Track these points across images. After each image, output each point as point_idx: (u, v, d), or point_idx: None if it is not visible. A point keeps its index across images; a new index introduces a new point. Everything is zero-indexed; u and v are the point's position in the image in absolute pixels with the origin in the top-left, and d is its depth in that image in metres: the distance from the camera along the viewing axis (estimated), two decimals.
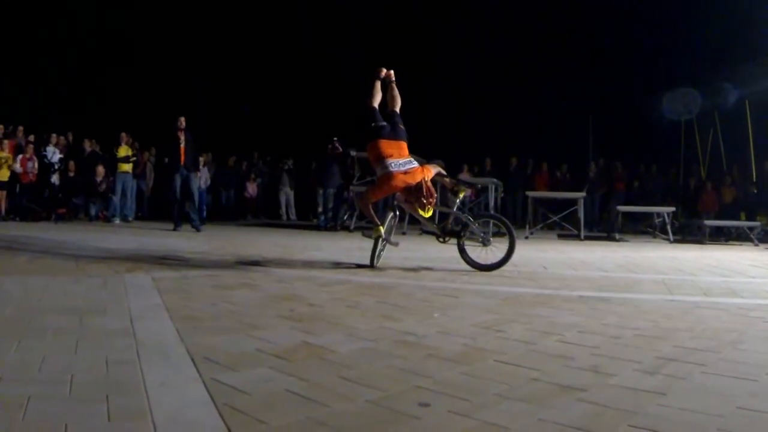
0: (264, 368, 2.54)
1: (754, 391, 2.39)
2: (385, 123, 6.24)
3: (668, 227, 12.52)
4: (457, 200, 6.27)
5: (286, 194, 18.61)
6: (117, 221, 13.79)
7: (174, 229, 10.54)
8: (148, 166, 16.18)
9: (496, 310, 4.04)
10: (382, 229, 6.18)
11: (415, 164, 6.14)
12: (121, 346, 2.78)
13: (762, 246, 11.34)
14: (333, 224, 13.46)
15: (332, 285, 4.95)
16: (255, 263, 6.35)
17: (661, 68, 20.73)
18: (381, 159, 6.10)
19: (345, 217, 13.76)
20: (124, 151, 14.28)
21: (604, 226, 15.74)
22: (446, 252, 6.46)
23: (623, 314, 4.02)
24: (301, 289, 4.68)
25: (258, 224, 15.57)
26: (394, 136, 6.22)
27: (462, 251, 6.15)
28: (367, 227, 13.20)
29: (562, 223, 13.77)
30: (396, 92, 6.51)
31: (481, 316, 3.84)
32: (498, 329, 3.45)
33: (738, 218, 15.40)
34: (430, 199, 5.86)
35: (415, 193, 5.88)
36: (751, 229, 11.84)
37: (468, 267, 6.12)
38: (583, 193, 13.18)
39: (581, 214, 12.96)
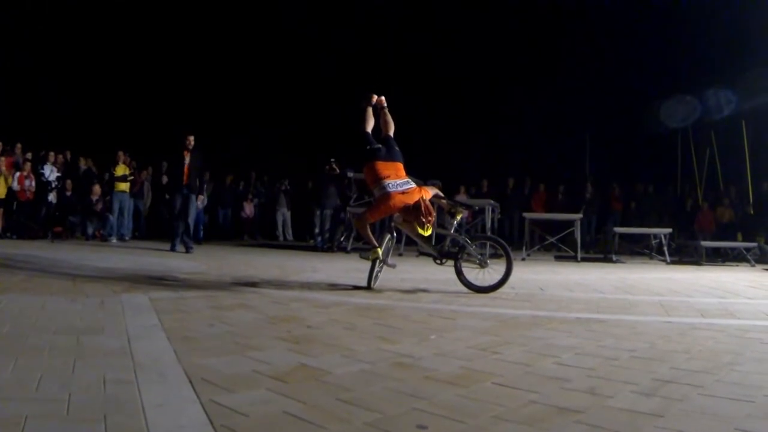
0: (261, 390, 2.54)
1: (751, 412, 2.40)
2: (380, 145, 6.31)
3: (665, 248, 12.56)
4: (455, 222, 6.29)
5: (283, 214, 18.65)
6: (114, 240, 13.78)
7: (171, 250, 10.49)
8: (145, 185, 16.18)
9: (494, 332, 4.05)
10: (380, 251, 6.20)
11: (413, 185, 6.19)
12: (119, 365, 2.79)
13: (759, 267, 11.37)
14: (330, 245, 13.47)
15: (329, 306, 4.95)
16: (252, 284, 6.35)
17: (659, 86, 20.89)
18: (378, 180, 6.14)
19: (342, 238, 13.78)
20: (121, 170, 14.30)
21: (600, 247, 15.79)
22: (443, 273, 6.47)
23: (620, 336, 4.03)
24: (298, 311, 4.69)
25: (255, 245, 15.59)
26: (390, 157, 6.27)
27: (459, 273, 6.17)
28: (364, 248, 13.25)
29: (559, 245, 13.81)
30: (389, 117, 6.59)
31: (478, 338, 3.85)
32: (495, 351, 3.46)
33: (735, 239, 15.46)
34: (429, 218, 5.89)
35: (413, 212, 5.92)
36: (747, 249, 11.87)
37: (465, 289, 6.13)
38: (580, 215, 13.25)
39: (578, 236, 13.01)
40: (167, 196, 11.45)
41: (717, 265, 12.03)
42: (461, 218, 6.32)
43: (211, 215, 16.91)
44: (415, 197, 5.98)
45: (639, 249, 14.38)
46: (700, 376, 2.97)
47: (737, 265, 11.91)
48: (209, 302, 4.91)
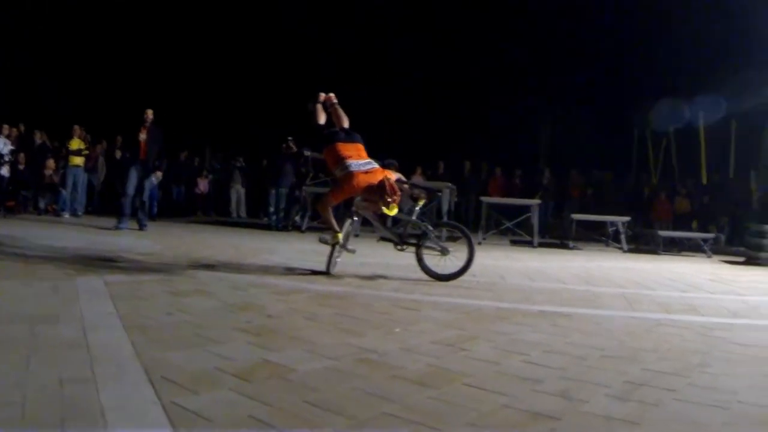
0: (225, 390, 2.48)
1: (727, 420, 2.45)
2: (338, 129, 6.26)
3: (622, 237, 12.80)
4: (417, 208, 6.25)
5: (237, 192, 18.60)
6: (66, 215, 13.39)
7: (116, 227, 10.12)
8: (99, 160, 15.77)
9: (458, 325, 4.04)
10: (341, 236, 6.13)
11: (375, 165, 6.14)
12: (75, 360, 2.70)
13: (715, 258, 11.69)
14: (285, 224, 13.33)
15: (288, 294, 4.88)
16: (208, 266, 6.21)
17: (619, 72, 21.24)
18: (340, 160, 6.08)
19: (297, 218, 13.64)
20: (76, 144, 13.92)
21: (556, 233, 15.97)
22: (402, 259, 6.44)
23: (586, 332, 4.07)
24: (257, 298, 4.61)
25: (208, 222, 15.34)
26: (351, 139, 6.28)
27: (420, 260, 6.15)
28: (320, 228, 13.16)
29: (516, 230, 13.95)
30: (340, 112, 6.60)
31: (443, 331, 3.83)
32: (462, 347, 3.45)
33: (690, 228, 15.87)
34: (395, 197, 5.85)
35: (378, 191, 5.88)
36: (704, 240, 12.18)
37: (426, 276, 6.11)
38: (538, 201, 13.39)
39: (535, 221, 13.14)
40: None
41: (674, 255, 12.30)
42: (423, 204, 6.26)
43: (165, 191, 16.58)
44: (379, 176, 5.97)
45: (595, 236, 14.60)
46: (672, 379, 3.01)
47: (694, 255, 12.21)
48: (166, 287, 4.80)
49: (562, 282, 6.60)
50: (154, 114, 10.54)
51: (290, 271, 6.32)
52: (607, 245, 14.11)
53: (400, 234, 6.27)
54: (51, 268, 5.41)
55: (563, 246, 13.16)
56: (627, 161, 22.90)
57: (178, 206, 17.14)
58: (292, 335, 3.48)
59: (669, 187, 17.82)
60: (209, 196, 18.54)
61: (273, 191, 13.33)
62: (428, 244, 6.16)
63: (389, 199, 5.83)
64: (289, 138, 13.07)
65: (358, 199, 6.30)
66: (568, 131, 21.50)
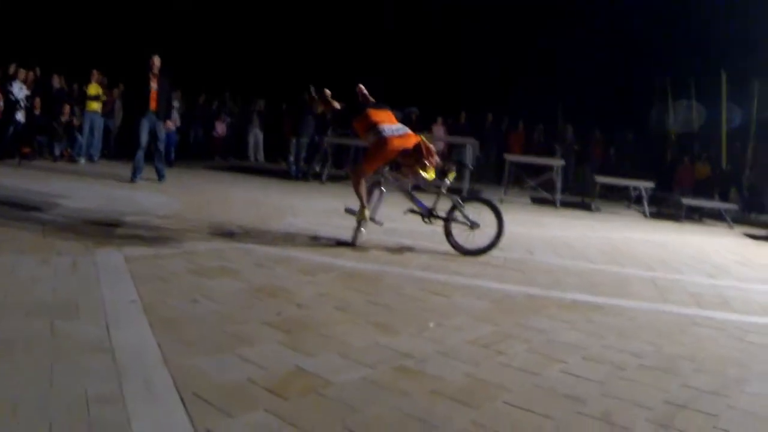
0: (260, 412, 2.36)
1: None
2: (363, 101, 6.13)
3: (644, 202, 12.55)
4: (447, 180, 6.06)
5: (255, 135, 18.25)
6: (82, 161, 13.18)
7: (132, 180, 9.84)
8: (116, 104, 15.48)
9: (492, 319, 3.92)
10: (368, 213, 5.97)
11: (408, 130, 5.96)
12: (101, 369, 2.57)
13: (737, 228, 11.45)
14: (305, 174, 13.17)
15: (315, 272, 4.74)
16: (231, 234, 6.03)
17: (633, 30, 20.67)
18: (372, 126, 5.90)
19: (318, 167, 13.46)
20: (94, 89, 13.59)
21: (577, 191, 15.70)
22: (426, 225, 6.27)
23: (621, 330, 3.95)
24: (284, 278, 4.48)
25: (227, 168, 15.13)
26: (379, 106, 6.06)
27: (448, 234, 6.00)
28: (339, 176, 13.03)
29: (537, 187, 13.75)
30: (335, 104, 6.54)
31: (477, 327, 3.71)
32: (498, 350, 3.34)
33: (711, 195, 15.57)
34: (431, 159, 5.68)
35: (414, 155, 5.71)
36: (726, 210, 11.92)
37: (452, 249, 5.98)
38: (562, 161, 13.10)
39: (558, 182, 12.90)
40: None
41: (695, 223, 12.07)
42: (453, 177, 6.08)
43: (183, 134, 16.38)
44: (413, 140, 5.80)
45: (618, 199, 14.38)
46: (712, 400, 2.90)
47: (715, 225, 11.98)
48: (188, 263, 4.64)
49: (590, 260, 6.43)
50: (165, 61, 10.11)
51: (315, 241, 6.16)
52: (628, 207, 13.91)
53: (430, 208, 6.09)
54: (69, 239, 5.18)
55: (585, 207, 12.96)
56: (645, 118, 22.48)
57: (196, 150, 16.89)
58: (323, 333, 3.35)
59: (690, 151, 17.41)
60: (227, 139, 18.22)
61: (294, 140, 13.12)
62: (457, 217, 5.99)
63: (426, 162, 5.65)
64: (311, 87, 12.75)
65: (386, 169, 6.12)
66: (588, 86, 21.08)
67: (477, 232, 5.95)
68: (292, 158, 13.14)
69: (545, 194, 13.52)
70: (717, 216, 12.59)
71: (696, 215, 12.76)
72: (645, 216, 12.31)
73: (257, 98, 18.67)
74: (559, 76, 21.71)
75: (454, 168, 6.13)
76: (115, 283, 3.93)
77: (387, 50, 20.87)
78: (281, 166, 16.50)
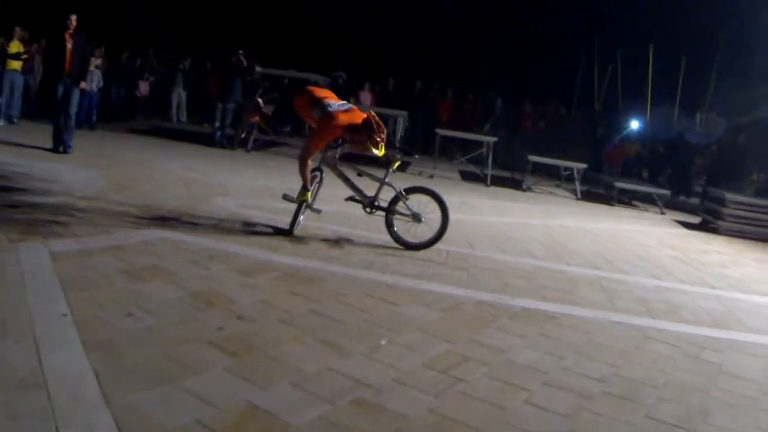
0: None
1: None
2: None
3: (577, 183, 12.83)
4: (390, 170, 5.92)
5: (179, 95, 17.91)
6: (1, 123, 12.23)
7: (53, 150, 9.14)
8: (36, 59, 14.50)
9: (445, 334, 3.87)
10: (310, 195, 5.79)
11: (352, 105, 5.85)
12: (35, 414, 2.34)
13: (668, 214, 11.89)
14: (230, 141, 12.75)
15: (254, 273, 4.54)
16: (161, 221, 5.68)
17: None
18: (316, 102, 5.74)
19: (243, 135, 13.06)
20: (15, 47, 12.66)
21: (506, 162, 15.86)
22: (362, 210, 6.14)
23: (578, 348, 4.00)
24: (221, 281, 4.26)
25: (150, 131, 14.47)
26: (319, 84, 5.88)
27: (390, 226, 5.90)
28: (265, 144, 12.69)
29: (468, 163, 13.87)
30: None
31: (431, 346, 3.65)
32: (457, 376, 3.28)
33: (639, 174, 16.15)
34: (382, 135, 5.55)
35: (364, 130, 5.56)
36: (658, 195, 12.35)
37: (391, 240, 5.89)
38: (494, 138, 13.19)
39: (489, 159, 13.00)
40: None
41: (628, 208, 12.45)
42: (396, 165, 5.96)
43: (105, 93, 15.54)
44: (360, 115, 5.67)
45: (548, 177, 14.67)
46: None
47: (646, 209, 12.39)
48: (118, 262, 4.33)
49: (533, 256, 6.50)
50: (87, 16, 9.53)
51: (250, 228, 5.92)
52: (558, 186, 14.21)
53: (371, 198, 5.95)
54: None
55: (515, 184, 13.15)
56: (570, 90, 23.08)
57: (117, 109, 16.14)
58: (272, 354, 3.20)
59: (621, 130, 17.94)
60: (150, 98, 17.77)
61: (220, 106, 12.67)
62: (400, 209, 5.88)
63: (377, 138, 5.52)
64: (240, 51, 12.39)
65: (328, 152, 5.95)
66: (514, 56, 21.44)
67: (419, 224, 5.86)
68: (217, 124, 12.67)
69: (475, 170, 13.64)
70: (647, 199, 13.02)
71: (626, 198, 13.14)
72: (577, 197, 12.58)
73: (182, 57, 18.32)
74: (490, 44, 21.92)
75: (398, 156, 6.00)
76: (43, 289, 3.64)
77: (313, 12, 20.49)
78: (204, 128, 16.11)
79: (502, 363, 3.56)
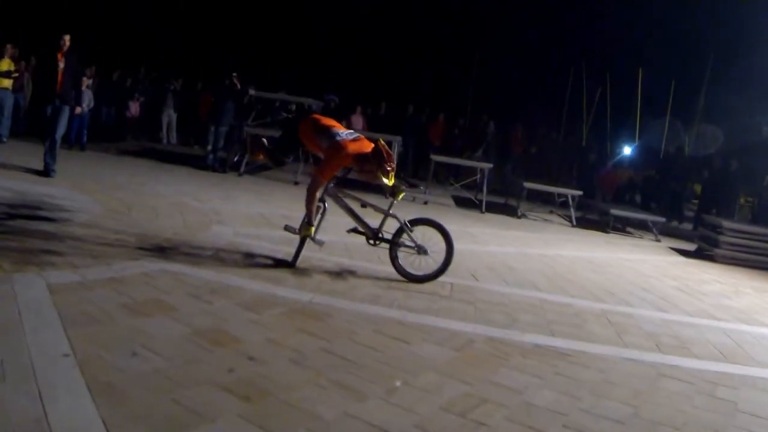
0: None
1: None
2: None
3: (572, 210, 12.82)
4: (395, 201, 5.86)
5: (169, 116, 17.79)
6: None
7: (43, 173, 8.87)
8: (25, 77, 14.38)
9: (460, 375, 3.80)
10: (313, 230, 5.71)
11: (360, 135, 5.82)
12: None
13: (663, 242, 11.88)
14: (222, 165, 12.65)
15: (259, 308, 4.44)
16: (158, 251, 5.58)
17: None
18: (323, 130, 5.69)
19: (235, 159, 12.97)
20: (6, 64, 12.52)
21: (497, 187, 15.84)
22: (360, 238, 6.07)
23: (593, 388, 3.95)
24: (226, 317, 4.16)
25: (140, 152, 14.39)
26: (324, 114, 5.83)
27: (394, 260, 5.82)
28: (258, 168, 12.60)
29: (459, 187, 13.86)
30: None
31: (447, 388, 3.58)
32: (476, 419, 3.22)
33: (634, 201, 16.18)
34: (392, 164, 5.51)
35: (374, 159, 5.49)
36: (654, 223, 12.35)
37: (393, 271, 5.82)
38: (489, 165, 13.17)
39: (484, 186, 12.96)
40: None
41: (622, 235, 12.44)
42: (401, 196, 5.89)
43: (95, 113, 15.42)
44: (368, 144, 5.62)
45: (542, 203, 14.68)
46: None
47: (641, 236, 12.39)
48: (118, 295, 4.23)
49: (537, 288, 6.44)
50: (79, 34, 9.31)
51: (249, 259, 5.83)
52: (551, 213, 14.19)
53: (375, 232, 5.87)
54: None
55: (510, 210, 13.12)
56: (558, 116, 23.21)
57: (107, 130, 16.01)
58: (286, 400, 3.10)
59: (614, 155, 18.02)
60: (140, 119, 17.66)
61: (212, 128, 12.57)
62: (404, 241, 5.81)
63: (387, 167, 5.47)
64: (234, 74, 12.33)
65: (332, 184, 5.88)
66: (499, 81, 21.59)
67: (424, 256, 5.79)
68: (209, 147, 12.58)
69: (469, 195, 13.61)
70: (642, 226, 13.03)
71: (620, 224, 13.13)
72: (572, 224, 12.57)
73: (173, 77, 18.28)
74: (480, 69, 22.05)
75: (404, 187, 5.94)
76: (42, 326, 3.52)
77: (306, 35, 20.56)
78: (195, 150, 16.22)
79: (520, 405, 3.49)
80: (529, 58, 22.21)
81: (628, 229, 13.22)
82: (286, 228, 5.86)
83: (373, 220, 6.02)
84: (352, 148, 5.55)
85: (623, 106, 20.92)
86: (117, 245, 5.59)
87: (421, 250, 5.78)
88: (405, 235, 5.80)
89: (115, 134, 16.29)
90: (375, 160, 5.48)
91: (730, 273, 9.41)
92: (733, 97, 17.71)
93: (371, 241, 5.88)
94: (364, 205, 5.95)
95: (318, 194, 5.68)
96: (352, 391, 3.31)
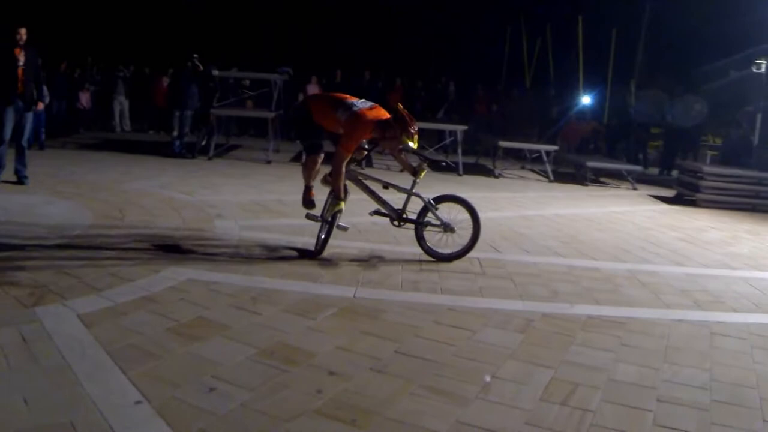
0: None
1: None
2: None
3: (548, 166, 12.91)
4: (417, 180, 5.76)
5: (121, 103, 17.23)
6: None
7: (19, 182, 8.20)
8: None
9: (537, 359, 3.77)
10: (343, 205, 5.56)
11: (373, 103, 5.69)
12: None
13: (641, 189, 12.10)
14: (191, 150, 12.27)
15: (309, 312, 4.28)
16: (172, 256, 5.36)
17: None
18: (339, 103, 5.52)
19: (203, 142, 12.63)
20: None
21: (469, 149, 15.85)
22: (373, 220, 6.05)
23: (663, 355, 4.00)
24: (282, 328, 3.96)
25: (98, 144, 13.84)
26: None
27: (421, 240, 5.73)
28: (229, 152, 12.30)
29: (416, 152, 13.75)
30: None
31: (534, 375, 3.54)
32: (578, 406, 3.20)
33: (598, 151, 16.40)
34: (415, 126, 5.42)
35: (397, 123, 5.40)
36: (628, 172, 12.54)
37: (422, 252, 5.76)
38: (464, 126, 13.12)
39: (459, 149, 12.92)
40: None
41: (600, 186, 12.61)
42: (423, 174, 5.81)
43: (46, 108, 14.74)
44: (384, 112, 5.55)
45: (512, 160, 14.73)
46: None
47: (618, 186, 12.59)
48: (159, 318, 3.98)
49: (557, 253, 6.47)
50: (29, 31, 8.23)
51: (270, 254, 5.65)
52: (523, 168, 14.27)
53: (399, 212, 5.77)
54: None
55: (485, 171, 13.15)
56: (498, 68, 23.33)
57: (60, 124, 15.31)
58: (391, 416, 2.95)
59: (574, 107, 18.17)
60: (91, 110, 17.07)
61: (177, 114, 12.13)
62: (430, 220, 5.73)
63: (411, 130, 5.38)
64: (195, 55, 11.90)
65: (353, 165, 5.76)
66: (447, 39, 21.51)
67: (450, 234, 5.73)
68: (175, 133, 12.17)
69: (442, 159, 13.55)
70: (615, 175, 13.24)
71: (594, 175, 13.29)
72: (549, 179, 12.67)
73: (122, 64, 17.69)
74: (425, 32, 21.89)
75: (425, 166, 5.85)
76: (96, 370, 3.20)
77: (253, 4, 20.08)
78: (152, 136, 16.03)
79: (609, 384, 3.49)
80: (468, 16, 22.10)
81: (602, 179, 13.40)
82: (308, 216, 5.73)
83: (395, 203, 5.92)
84: (372, 115, 5.43)
85: (566, 58, 21.07)
86: (129, 257, 5.28)
87: (447, 228, 5.69)
88: (430, 214, 5.71)
89: (68, 128, 15.67)
90: (398, 124, 5.38)
91: (718, 217, 9.64)
92: (670, 44, 18.05)
93: (395, 223, 5.77)
94: (386, 186, 5.81)
95: (344, 169, 5.49)
96: (450, 396, 3.22)
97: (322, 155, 5.69)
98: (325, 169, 5.77)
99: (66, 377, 3.11)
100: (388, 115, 5.49)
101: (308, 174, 5.76)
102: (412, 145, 5.41)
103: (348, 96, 5.68)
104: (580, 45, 19.88)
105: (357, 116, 5.37)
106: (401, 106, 5.46)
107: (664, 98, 15.63)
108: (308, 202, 5.81)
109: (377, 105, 5.65)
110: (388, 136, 5.45)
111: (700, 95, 14.86)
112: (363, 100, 5.66)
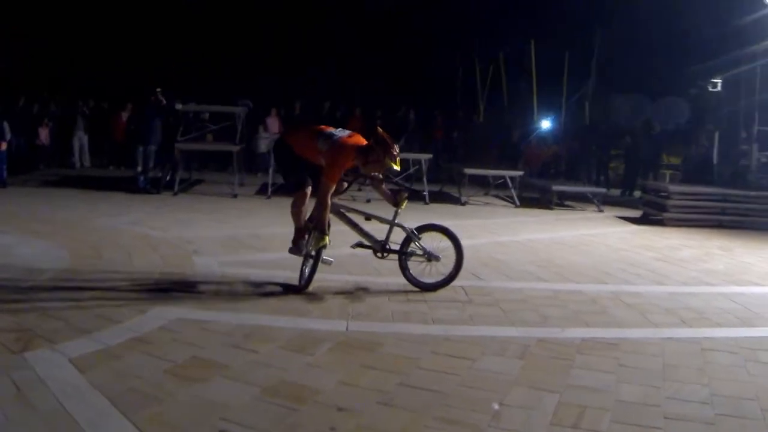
0: None
1: None
2: None
3: (513, 191, 13.08)
4: (399, 210, 5.79)
5: (80, 139, 17.23)
6: None
7: None
8: None
9: (541, 384, 3.79)
10: (328, 239, 5.53)
11: (350, 131, 5.75)
12: None
13: (607, 212, 12.33)
14: (156, 185, 12.15)
15: (306, 348, 4.24)
16: (156, 295, 5.29)
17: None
18: (318, 135, 5.57)
19: (168, 178, 12.52)
20: None
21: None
22: (352, 251, 6.01)
23: (661, 373, 4.05)
24: (281, 366, 3.91)
25: (60, 180, 13.73)
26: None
27: (405, 269, 5.74)
28: (194, 186, 12.18)
29: (397, 182, 13.81)
30: None
31: (540, 401, 3.56)
32: (594, 429, 3.19)
33: (558, 173, 16.68)
34: (396, 148, 5.48)
35: (379, 146, 5.44)
36: (594, 194, 12.79)
37: (406, 282, 5.77)
38: (429, 155, 13.26)
39: (424, 176, 13.02)
40: None
41: (566, 210, 12.81)
42: (404, 204, 5.84)
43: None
44: (361, 139, 5.63)
45: (475, 186, 14.87)
46: None
47: (584, 209, 12.81)
48: (154, 360, 3.89)
49: (539, 278, 6.56)
50: None
51: (255, 290, 5.62)
52: (486, 194, 14.43)
53: (382, 243, 5.78)
54: None
55: (451, 199, 13.26)
56: (453, 96, 23.68)
57: (19, 161, 15.02)
58: None
59: (534, 132, 18.52)
60: (51, 146, 16.96)
61: (141, 149, 12.03)
62: (413, 251, 5.75)
63: (393, 151, 5.43)
64: (158, 89, 11.85)
65: (333, 200, 5.75)
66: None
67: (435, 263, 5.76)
68: (139, 168, 12.04)
69: (402, 186, 13.56)
70: (579, 198, 13.47)
71: (559, 199, 13.49)
72: (515, 204, 12.82)
73: (81, 99, 17.70)
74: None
75: (406, 196, 5.88)
76: (98, 417, 3.09)
77: (211, 38, 20.05)
78: (111, 171, 16.17)
79: (616, 404, 3.54)
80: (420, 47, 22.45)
81: (567, 203, 13.62)
82: (291, 251, 5.73)
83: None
84: (352, 141, 5.50)
85: (520, 82, 21.50)
86: (112, 297, 5.21)
87: (432, 257, 5.73)
88: (413, 244, 5.74)
89: (28, 165, 15.50)
90: (380, 147, 5.42)
91: (688, 235, 9.91)
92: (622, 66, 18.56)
93: (379, 254, 5.78)
94: (368, 217, 5.82)
95: (330, 201, 5.49)
96: (462, 425, 3.21)
97: (310, 188, 5.68)
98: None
99: (68, 426, 3.01)
100: (365, 143, 5.55)
101: (298, 211, 5.74)
102: (396, 167, 5.46)
103: (325, 126, 5.75)
104: (533, 69, 20.26)
105: (339, 144, 5.43)
106: (381, 130, 5.52)
107: (620, 119, 16.06)
108: (297, 249, 5.78)
109: (353, 132, 5.73)
110: (371, 160, 5.49)
111: (660, 116, 15.29)
112: (340, 129, 5.73)
